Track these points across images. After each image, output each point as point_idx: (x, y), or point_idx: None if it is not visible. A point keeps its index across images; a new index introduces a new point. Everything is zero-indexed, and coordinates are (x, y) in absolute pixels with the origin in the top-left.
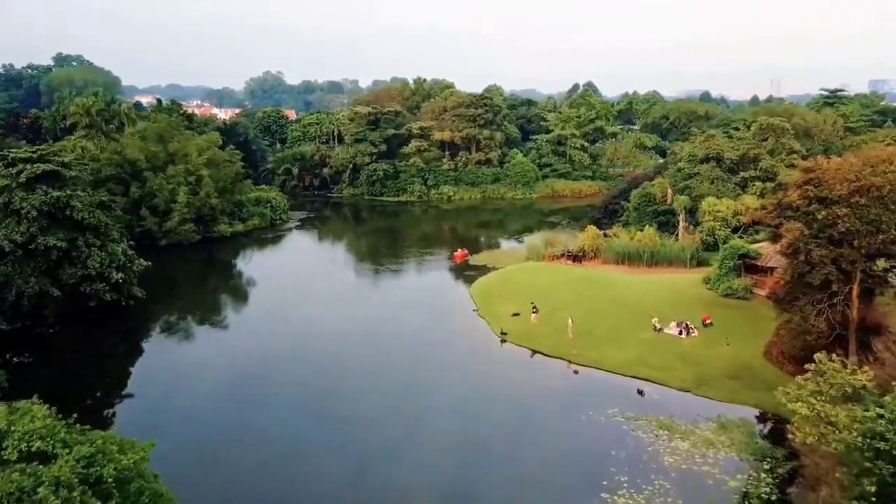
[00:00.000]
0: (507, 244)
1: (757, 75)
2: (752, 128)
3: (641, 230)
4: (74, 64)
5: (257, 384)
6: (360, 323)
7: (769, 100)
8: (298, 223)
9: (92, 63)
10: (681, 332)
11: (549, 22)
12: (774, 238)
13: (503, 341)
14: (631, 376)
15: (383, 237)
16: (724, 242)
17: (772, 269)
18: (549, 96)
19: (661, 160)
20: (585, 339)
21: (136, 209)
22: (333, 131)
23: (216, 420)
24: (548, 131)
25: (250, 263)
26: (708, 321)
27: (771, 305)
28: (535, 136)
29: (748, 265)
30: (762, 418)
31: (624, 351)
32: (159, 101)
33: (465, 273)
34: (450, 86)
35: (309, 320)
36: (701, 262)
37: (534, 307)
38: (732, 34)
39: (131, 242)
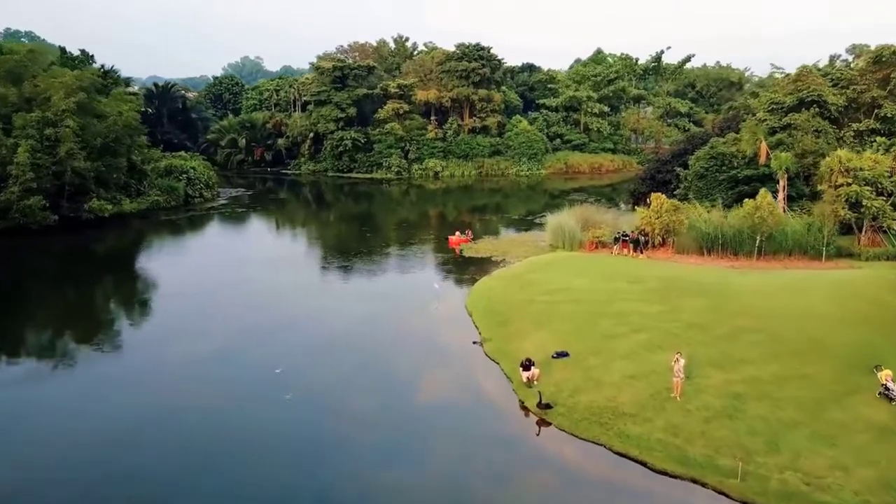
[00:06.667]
0: (515, 228)
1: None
2: (859, 62)
3: (714, 205)
4: (24, 40)
5: None
6: (265, 386)
7: None
8: (226, 202)
9: (44, 40)
10: None
11: (527, 22)
12: None
13: (545, 422)
14: None
15: (348, 225)
16: (875, 217)
17: None
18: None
19: (695, 129)
20: (734, 422)
21: None
22: (293, 98)
23: None
24: (556, 96)
25: (128, 261)
26: None
27: None
28: (541, 101)
29: None
30: None
31: (843, 459)
32: (62, 49)
33: (460, 272)
34: (437, 48)
35: (184, 369)
36: (840, 252)
37: (527, 362)
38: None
39: None
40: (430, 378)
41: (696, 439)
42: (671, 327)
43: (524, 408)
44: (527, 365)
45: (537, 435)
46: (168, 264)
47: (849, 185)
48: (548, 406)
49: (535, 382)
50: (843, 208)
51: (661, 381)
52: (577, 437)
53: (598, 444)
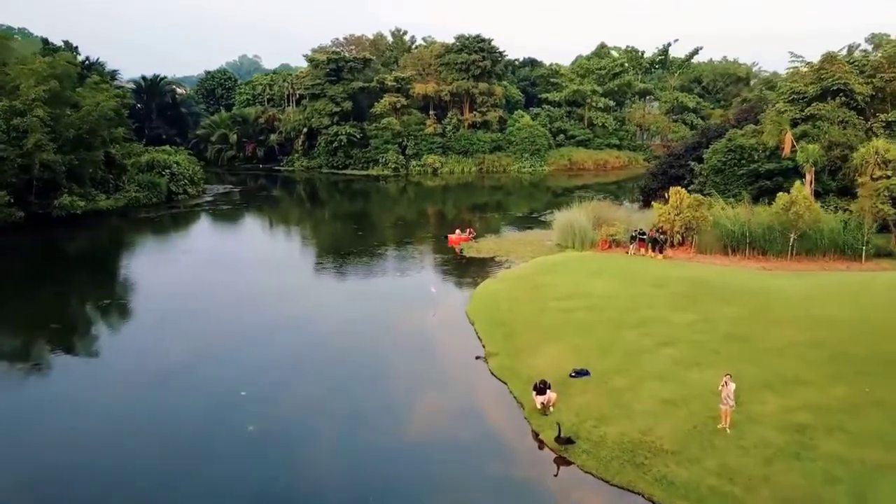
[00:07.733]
0: (519, 226)
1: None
2: (880, 52)
3: (738, 201)
4: (17, 38)
5: None
6: (223, 416)
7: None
8: (212, 199)
9: (38, 37)
10: None
11: (528, 21)
12: None
13: (565, 461)
14: None
15: (342, 223)
16: None
17: None
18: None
19: (704, 123)
20: (804, 464)
21: None
22: (287, 92)
23: None
24: (559, 90)
25: (100, 261)
26: None
27: None
28: (543, 95)
29: None
30: None
31: None
32: (45, 40)
33: (460, 274)
34: (436, 42)
35: (149, 377)
36: (879, 252)
37: (542, 385)
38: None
39: None
40: (423, 403)
41: (760, 488)
42: (707, 340)
43: (538, 440)
44: (541, 388)
45: (555, 476)
46: (144, 265)
47: (888, 177)
48: (569, 441)
49: (552, 409)
50: (883, 203)
51: (703, 408)
52: (606, 481)
53: (634, 492)
